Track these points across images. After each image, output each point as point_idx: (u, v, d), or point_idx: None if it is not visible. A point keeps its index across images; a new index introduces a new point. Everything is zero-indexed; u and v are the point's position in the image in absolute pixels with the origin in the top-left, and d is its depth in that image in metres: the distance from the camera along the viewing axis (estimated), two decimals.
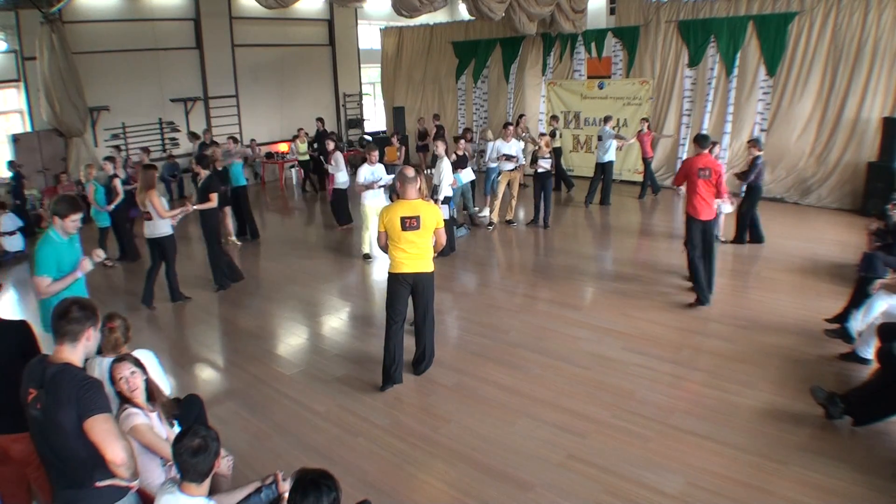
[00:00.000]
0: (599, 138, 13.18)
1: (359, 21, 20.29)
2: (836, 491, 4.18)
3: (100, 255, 5.18)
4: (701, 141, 7.61)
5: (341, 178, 11.76)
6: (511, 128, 11.58)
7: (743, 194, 10.00)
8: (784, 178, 12.83)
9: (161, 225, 8.12)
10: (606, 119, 13.20)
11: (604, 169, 13.00)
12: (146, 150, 13.77)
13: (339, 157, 11.75)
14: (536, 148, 11.58)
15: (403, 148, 14.84)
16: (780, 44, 12.54)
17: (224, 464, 3.71)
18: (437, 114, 17.50)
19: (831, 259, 9.07)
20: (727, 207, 9.04)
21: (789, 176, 12.61)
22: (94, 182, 10.04)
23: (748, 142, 10.47)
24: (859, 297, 6.38)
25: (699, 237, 7.52)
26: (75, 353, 2.99)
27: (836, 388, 5.14)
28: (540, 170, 11.14)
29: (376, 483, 4.46)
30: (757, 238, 9.97)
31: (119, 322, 4.09)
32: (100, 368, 3.92)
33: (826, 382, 5.34)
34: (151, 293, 8.41)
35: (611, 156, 12.90)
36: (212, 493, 3.10)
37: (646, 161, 13.48)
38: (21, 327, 3.69)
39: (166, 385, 4.39)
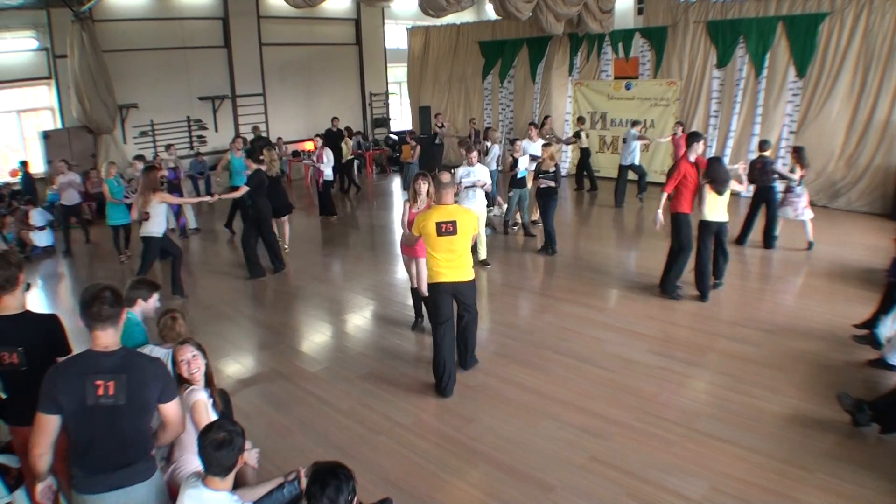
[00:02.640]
0: (624, 141, 13.16)
1: (386, 20, 20.43)
2: (862, 499, 4.13)
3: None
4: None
5: (328, 171, 12.83)
6: (535, 128, 11.55)
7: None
8: (813, 181, 12.66)
9: (151, 225, 8.28)
10: (634, 123, 13.24)
11: (621, 171, 13.11)
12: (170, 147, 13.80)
13: (329, 153, 12.74)
14: (540, 160, 10.12)
15: (419, 147, 14.88)
16: (810, 45, 12.33)
17: (252, 455, 3.75)
18: (474, 118, 17.08)
19: (860, 264, 8.93)
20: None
21: (818, 179, 12.42)
22: (115, 179, 10.24)
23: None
24: (889, 302, 6.27)
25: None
26: (118, 336, 3.05)
27: (864, 395, 5.07)
28: (542, 185, 9.85)
29: (398, 481, 4.48)
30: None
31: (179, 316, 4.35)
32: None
33: (853, 389, 5.27)
34: (180, 286, 8.59)
35: (634, 158, 12.94)
36: (237, 486, 3.14)
37: None
38: (51, 321, 3.72)
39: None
